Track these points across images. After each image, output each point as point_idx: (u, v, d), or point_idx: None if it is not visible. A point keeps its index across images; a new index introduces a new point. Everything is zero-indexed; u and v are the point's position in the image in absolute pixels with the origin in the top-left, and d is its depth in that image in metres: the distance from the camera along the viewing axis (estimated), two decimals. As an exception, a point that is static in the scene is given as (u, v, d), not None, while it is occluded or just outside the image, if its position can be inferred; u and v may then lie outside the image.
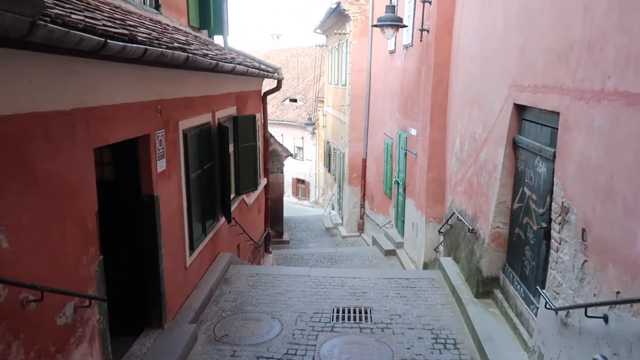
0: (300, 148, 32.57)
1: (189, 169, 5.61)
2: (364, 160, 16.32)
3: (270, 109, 33.61)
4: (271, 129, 32.58)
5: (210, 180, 6.62)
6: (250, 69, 6.86)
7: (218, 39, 10.43)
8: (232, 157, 8.14)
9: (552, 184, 4.17)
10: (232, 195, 8.21)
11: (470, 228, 6.19)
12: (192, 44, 5.71)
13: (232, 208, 8.05)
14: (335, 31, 17.78)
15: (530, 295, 4.75)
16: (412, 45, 10.78)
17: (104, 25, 2.94)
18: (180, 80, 5.29)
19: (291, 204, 31.07)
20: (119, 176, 4.74)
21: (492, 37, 6.07)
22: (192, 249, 5.79)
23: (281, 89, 36.34)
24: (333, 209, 21.75)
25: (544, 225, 4.37)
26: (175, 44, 4.21)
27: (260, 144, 10.65)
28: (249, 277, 6.86)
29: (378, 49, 14.81)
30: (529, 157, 4.91)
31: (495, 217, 5.51)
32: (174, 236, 5.30)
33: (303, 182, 32.66)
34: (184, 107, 5.52)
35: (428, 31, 9.24)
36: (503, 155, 5.39)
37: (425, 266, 9.76)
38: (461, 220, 6.79)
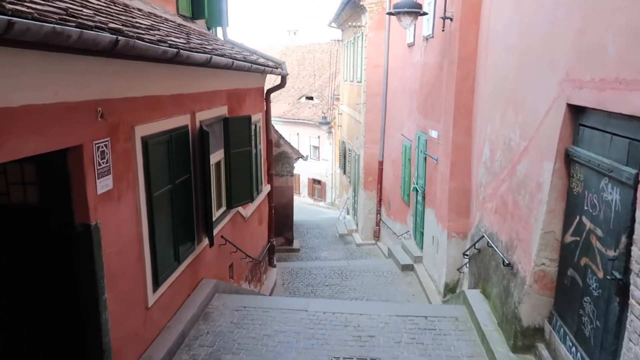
0: (316, 147, 31.47)
1: (151, 186, 4.49)
2: (381, 163, 15.10)
3: (285, 107, 32.87)
4: (286, 128, 31.78)
5: (187, 196, 5.50)
6: (237, 61, 5.72)
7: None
8: (222, 166, 7.04)
9: (633, 220, 2.93)
10: (222, 210, 7.10)
11: (506, 262, 4.93)
12: (159, 29, 4.60)
13: (222, 224, 6.94)
14: (351, 23, 16.56)
15: (593, 366, 3.51)
16: (432, 37, 9.54)
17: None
18: (136, 74, 4.17)
19: (307, 205, 30.03)
20: (47, 199, 3.65)
21: (536, 20, 4.80)
22: (157, 283, 4.68)
23: (297, 87, 35.32)
24: (348, 213, 20.55)
25: (617, 275, 3.12)
26: (111, 25, 3.09)
27: (261, 147, 9.54)
28: (234, 312, 5.73)
29: (396, 43, 13.58)
30: (590, 176, 3.65)
31: (540, 251, 4.26)
32: (128, 272, 4.19)
33: (319, 182, 31.55)
34: (144, 108, 4.41)
35: (451, 19, 8.01)
36: (551, 172, 4.13)
37: (447, 287, 8.57)
38: (492, 247, 5.53)
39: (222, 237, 6.81)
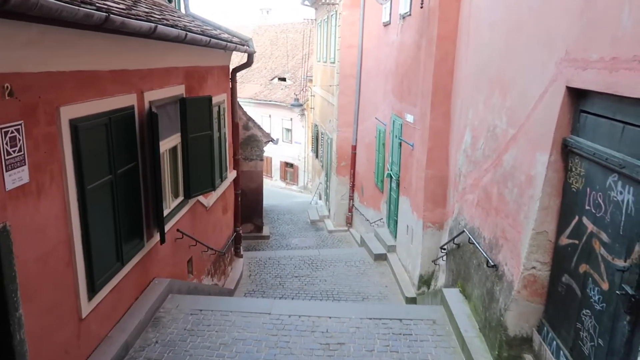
0: (289, 130, 30.76)
1: (83, 178, 3.81)
2: (354, 148, 14.57)
3: (257, 88, 31.96)
4: (258, 110, 30.96)
5: (133, 187, 4.82)
6: (191, 34, 5.01)
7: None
8: (178, 152, 6.36)
9: (651, 227, 2.45)
10: (179, 200, 6.43)
11: (490, 262, 4.45)
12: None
13: (179, 216, 6.29)
14: (324, 1, 15.80)
15: (593, 390, 3.06)
16: (410, 14, 8.97)
17: None
18: (60, 44, 3.45)
19: (278, 189, 29.44)
20: (-58, 196, 2.95)
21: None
22: (93, 290, 4.03)
23: (270, 67, 34.48)
24: (320, 198, 20.04)
25: (629, 290, 2.65)
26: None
27: (226, 130, 8.85)
28: (189, 316, 5.12)
29: (371, 22, 12.96)
30: (594, 172, 3.16)
31: (531, 253, 3.78)
32: (53, 281, 3.53)
33: (292, 166, 30.92)
34: (74, 85, 3.70)
35: (431, -5, 7.46)
36: (545, 164, 3.64)
37: (422, 279, 8.19)
38: (473, 244, 5.06)
39: (177, 230, 6.16)
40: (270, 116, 30.88)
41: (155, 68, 5.37)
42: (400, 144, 9.52)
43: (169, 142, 5.99)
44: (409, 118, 8.85)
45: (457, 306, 5.07)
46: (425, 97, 7.82)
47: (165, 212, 5.89)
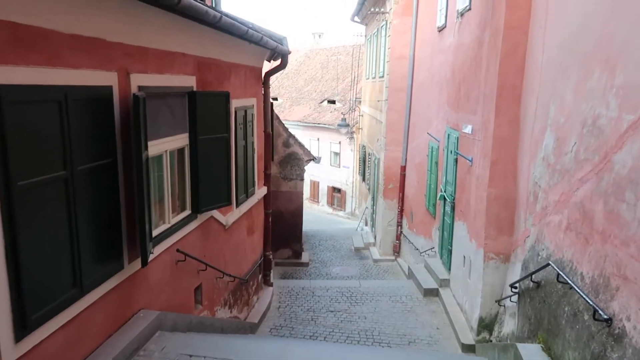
0: (337, 154, 29.78)
1: (8, 170, 2.73)
2: (403, 168, 13.20)
3: (306, 111, 31.29)
4: (307, 132, 30.21)
5: (106, 191, 3.73)
6: (187, 1, 3.94)
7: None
8: (186, 155, 5.29)
9: None
10: (185, 214, 5.33)
11: (601, 314, 2.97)
12: None
13: (183, 233, 5.18)
14: (373, 9, 14.77)
15: None
16: (469, 9, 7.74)
17: None
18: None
19: (325, 214, 28.34)
20: None
21: None
22: (24, 327, 2.91)
23: (320, 90, 33.95)
24: (366, 224, 18.62)
25: None
26: None
27: (254, 140, 7.77)
28: (175, 363, 3.92)
29: (423, 28, 11.77)
30: None
31: (679, 303, 2.34)
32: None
33: (339, 191, 29.76)
34: (1, 41, 2.68)
35: (497, -22, 6.21)
36: None
37: (482, 323, 6.69)
38: (565, 283, 3.59)
39: (178, 250, 5.03)
40: (318, 139, 30.04)
41: (152, 48, 4.35)
42: (455, 161, 8.14)
43: (171, 142, 4.94)
44: (467, 129, 7.49)
45: (540, 372, 3.59)
46: (488, 101, 6.49)
47: (162, 228, 4.80)
